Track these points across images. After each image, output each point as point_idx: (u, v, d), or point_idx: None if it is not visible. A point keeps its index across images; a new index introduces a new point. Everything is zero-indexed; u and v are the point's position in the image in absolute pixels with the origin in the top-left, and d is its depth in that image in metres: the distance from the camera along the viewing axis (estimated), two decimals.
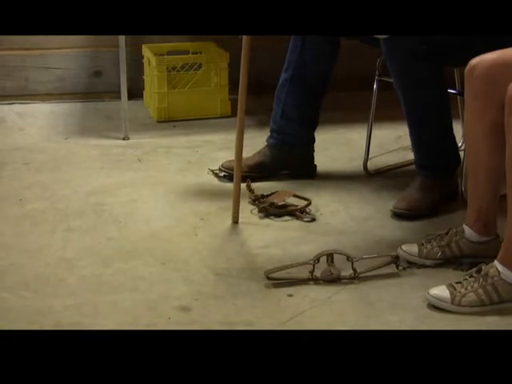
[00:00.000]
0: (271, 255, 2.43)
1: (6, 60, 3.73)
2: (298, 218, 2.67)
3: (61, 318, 2.10)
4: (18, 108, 3.69)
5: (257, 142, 3.06)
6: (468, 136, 2.31)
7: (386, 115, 3.15)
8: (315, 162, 2.99)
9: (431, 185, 2.70)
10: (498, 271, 2.13)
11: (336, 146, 3.28)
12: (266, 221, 2.66)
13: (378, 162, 3.10)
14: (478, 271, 2.17)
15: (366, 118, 3.03)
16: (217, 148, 3.24)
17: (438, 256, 2.35)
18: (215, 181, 2.95)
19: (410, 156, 2.85)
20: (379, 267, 2.33)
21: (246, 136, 2.65)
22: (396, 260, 2.34)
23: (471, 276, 2.17)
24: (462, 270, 2.31)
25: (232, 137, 2.59)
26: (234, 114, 2.59)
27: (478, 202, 2.30)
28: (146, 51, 3.64)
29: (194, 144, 3.29)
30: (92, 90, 3.80)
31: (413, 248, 2.38)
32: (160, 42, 3.67)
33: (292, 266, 2.30)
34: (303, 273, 2.28)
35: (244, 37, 2.49)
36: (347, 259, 2.30)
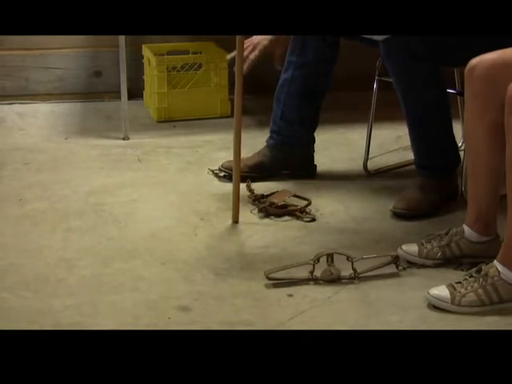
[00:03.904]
0: (271, 255, 2.43)
1: (6, 60, 3.73)
2: (298, 218, 2.67)
3: (61, 318, 2.10)
4: (18, 108, 3.69)
5: (257, 142, 3.06)
6: (468, 136, 2.31)
7: (386, 115, 3.15)
8: (315, 162, 3.00)
9: (431, 185, 2.70)
10: (498, 271, 2.13)
11: (336, 146, 3.28)
12: (266, 221, 2.66)
13: (378, 162, 3.10)
14: (478, 271, 2.17)
15: (366, 118, 3.03)
16: (217, 148, 3.24)
17: (438, 256, 2.35)
18: (215, 181, 2.95)
19: (410, 156, 2.86)
20: (379, 267, 2.33)
21: (245, 136, 2.65)
22: (396, 260, 2.34)
23: (471, 276, 2.17)
24: (462, 270, 2.31)
25: (232, 137, 2.59)
26: (233, 114, 2.59)
27: (477, 202, 2.30)
28: (146, 51, 3.64)
29: (194, 144, 3.30)
30: (92, 89, 3.80)
31: (413, 248, 2.38)
32: (160, 41, 3.68)
33: (292, 266, 2.30)
34: (303, 273, 2.28)
35: (238, 37, 2.49)
36: (347, 259, 2.30)
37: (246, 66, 2.62)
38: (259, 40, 2.67)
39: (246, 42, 2.65)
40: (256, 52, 2.65)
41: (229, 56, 2.64)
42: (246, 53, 2.63)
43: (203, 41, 3.72)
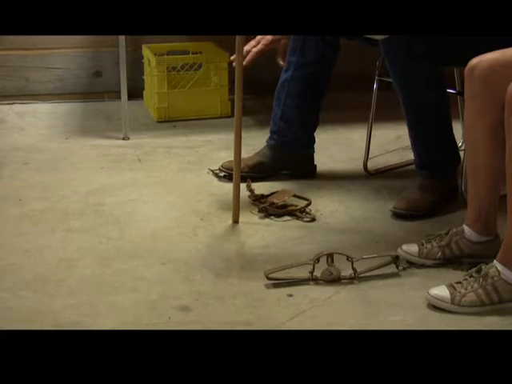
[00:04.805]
0: (271, 255, 2.43)
1: (5, 60, 3.73)
2: (298, 218, 2.67)
3: (61, 317, 2.10)
4: (18, 108, 3.69)
5: (257, 142, 3.06)
6: (468, 136, 2.31)
7: (386, 115, 3.15)
8: (315, 162, 3.00)
9: (431, 185, 2.70)
10: (498, 271, 2.13)
11: (336, 146, 3.28)
12: (266, 221, 2.66)
13: (378, 161, 3.10)
14: (478, 271, 2.17)
15: (366, 118, 3.03)
16: (217, 148, 3.24)
17: (438, 256, 2.35)
18: (215, 181, 2.95)
19: (410, 156, 2.86)
20: (379, 267, 2.33)
21: (246, 136, 2.65)
22: (396, 260, 2.34)
23: (471, 276, 2.17)
24: (462, 270, 2.31)
25: (232, 137, 2.59)
26: (234, 114, 2.59)
27: (478, 201, 2.30)
28: (146, 51, 3.64)
29: (194, 144, 3.30)
30: (92, 89, 3.80)
31: (413, 248, 2.38)
32: (160, 41, 3.68)
33: (292, 266, 2.30)
34: (303, 273, 2.28)
35: (237, 37, 2.48)
36: (347, 259, 2.30)
37: (248, 58, 2.61)
38: (262, 36, 2.64)
39: (250, 42, 2.64)
40: (260, 46, 2.64)
41: (232, 57, 2.62)
42: (248, 47, 2.62)
43: (203, 41, 3.72)
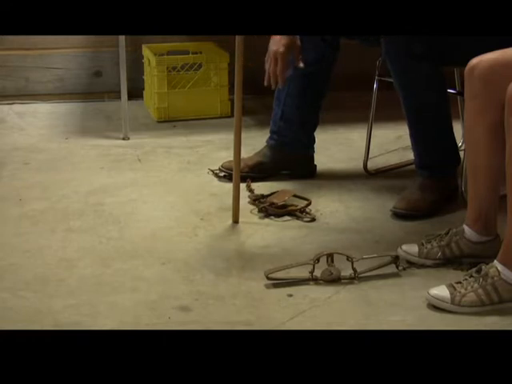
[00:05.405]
0: (271, 255, 2.43)
1: (6, 60, 3.73)
2: (298, 218, 2.67)
3: (61, 317, 2.10)
4: (18, 108, 3.69)
5: (257, 142, 3.06)
6: (468, 136, 2.31)
7: (386, 115, 3.15)
8: (315, 162, 3.00)
9: (431, 185, 2.70)
10: (498, 271, 2.13)
11: (336, 146, 3.28)
12: (266, 221, 2.66)
13: (378, 161, 3.10)
14: (478, 271, 2.17)
15: (366, 118, 3.03)
16: (217, 148, 3.24)
17: (438, 256, 2.35)
18: (215, 181, 2.95)
19: (410, 156, 2.86)
20: (379, 267, 2.33)
21: (246, 136, 2.64)
22: (396, 260, 2.34)
23: (471, 276, 2.17)
24: (462, 270, 2.31)
25: (232, 137, 2.59)
26: (234, 114, 2.59)
27: (478, 201, 2.30)
28: (146, 51, 3.64)
29: (194, 144, 3.30)
30: (92, 89, 3.81)
31: (413, 248, 2.38)
32: (160, 41, 3.68)
33: (292, 266, 2.30)
34: (303, 273, 2.28)
35: (237, 37, 2.48)
36: (347, 259, 2.30)
37: (280, 82, 2.54)
38: (275, 50, 2.51)
39: (268, 63, 2.54)
40: (280, 63, 2.53)
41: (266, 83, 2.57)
42: (267, 65, 2.54)
43: (203, 41, 3.72)
